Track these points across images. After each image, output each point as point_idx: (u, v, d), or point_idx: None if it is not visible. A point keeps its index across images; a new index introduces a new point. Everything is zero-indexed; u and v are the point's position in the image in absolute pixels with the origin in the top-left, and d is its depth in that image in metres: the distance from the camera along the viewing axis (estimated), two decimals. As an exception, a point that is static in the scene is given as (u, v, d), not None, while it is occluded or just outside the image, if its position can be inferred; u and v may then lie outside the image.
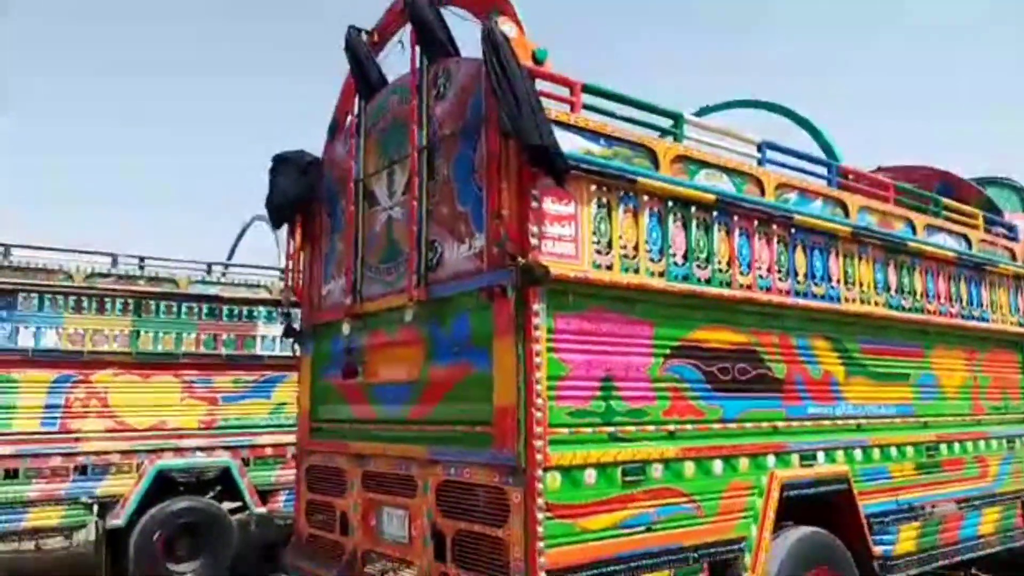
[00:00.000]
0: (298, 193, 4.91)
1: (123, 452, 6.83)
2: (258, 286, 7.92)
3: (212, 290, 7.55)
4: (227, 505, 7.30)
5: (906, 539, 4.79)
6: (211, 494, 7.22)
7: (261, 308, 7.72)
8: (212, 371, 7.39)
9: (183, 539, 6.97)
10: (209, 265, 7.90)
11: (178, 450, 7.07)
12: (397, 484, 3.99)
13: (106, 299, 6.97)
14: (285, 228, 5.23)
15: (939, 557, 5.03)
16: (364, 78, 4.68)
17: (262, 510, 7.39)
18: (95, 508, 6.71)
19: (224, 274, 7.92)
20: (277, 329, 7.49)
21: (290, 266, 5.21)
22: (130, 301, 7.07)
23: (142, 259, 7.43)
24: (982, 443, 5.58)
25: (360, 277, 4.49)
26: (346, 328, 4.47)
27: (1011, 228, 6.50)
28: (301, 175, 4.89)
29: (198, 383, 7.30)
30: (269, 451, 7.50)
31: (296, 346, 5.19)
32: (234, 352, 7.51)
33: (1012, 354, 6.12)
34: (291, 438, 6.28)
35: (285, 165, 4.91)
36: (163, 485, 6.97)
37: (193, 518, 6.98)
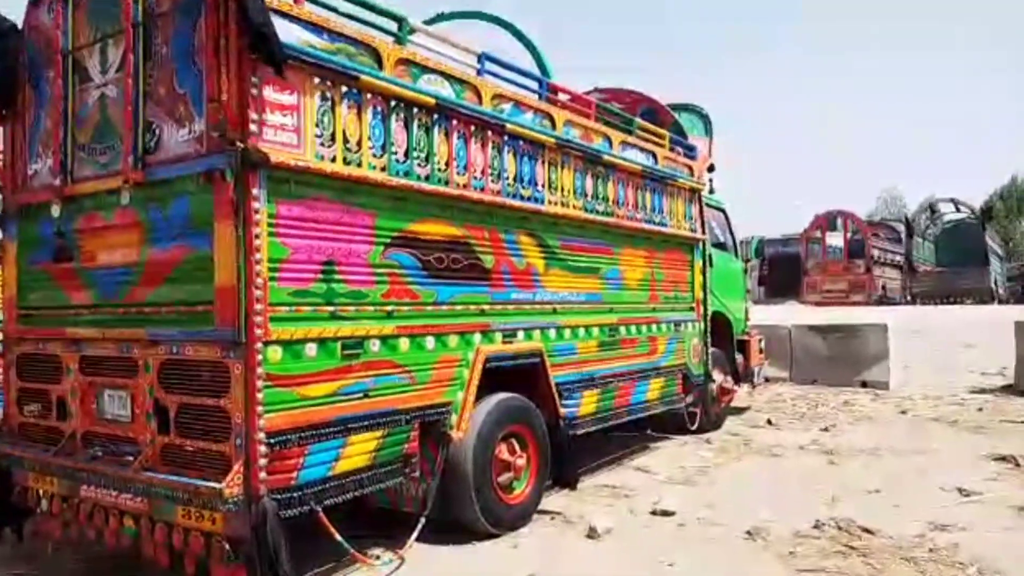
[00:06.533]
0: (4, 66, 4.45)
1: None
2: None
3: None
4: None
5: (587, 403, 5.78)
6: None
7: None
8: None
9: None
10: None
11: None
12: (117, 366, 4.01)
13: None
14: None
15: (613, 417, 6.14)
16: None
17: (-38, 414, 6.77)
18: None
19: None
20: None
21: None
22: None
23: None
24: (654, 326, 6.77)
25: (70, 157, 4.25)
26: (55, 210, 4.25)
27: (692, 148, 7.71)
28: (-1, 43, 4.43)
29: None
30: (-32, 351, 6.82)
31: (-2, 231, 4.80)
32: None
33: (684, 255, 7.40)
34: (-3, 335, 5.80)
35: None
36: None
37: None
